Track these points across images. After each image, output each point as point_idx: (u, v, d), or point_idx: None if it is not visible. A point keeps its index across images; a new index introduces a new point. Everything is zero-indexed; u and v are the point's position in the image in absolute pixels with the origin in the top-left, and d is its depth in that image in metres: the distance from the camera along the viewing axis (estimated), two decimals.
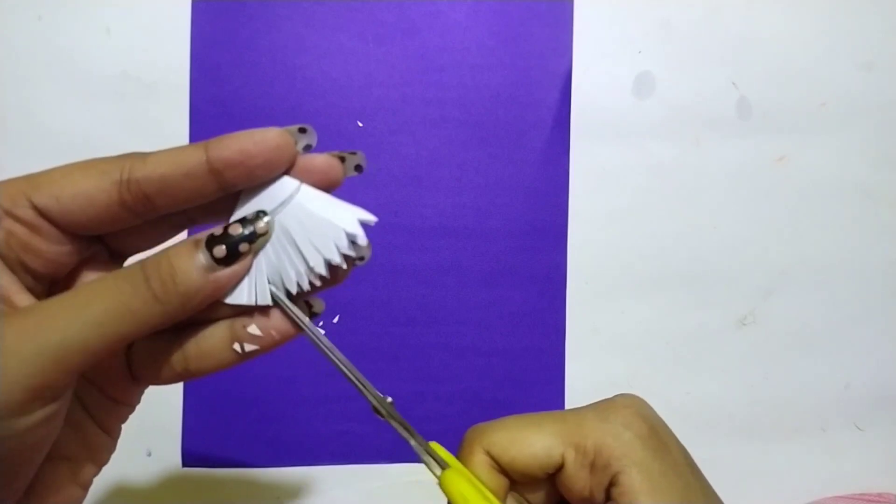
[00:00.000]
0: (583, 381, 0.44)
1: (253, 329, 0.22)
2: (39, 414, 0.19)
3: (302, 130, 0.21)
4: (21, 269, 0.21)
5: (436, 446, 0.24)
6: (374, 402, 0.23)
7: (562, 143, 0.43)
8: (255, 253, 0.21)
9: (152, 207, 0.21)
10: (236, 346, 0.22)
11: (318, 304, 0.23)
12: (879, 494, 0.45)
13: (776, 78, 0.45)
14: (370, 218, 0.22)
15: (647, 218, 0.44)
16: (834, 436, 0.45)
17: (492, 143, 0.43)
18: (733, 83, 0.44)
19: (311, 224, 0.21)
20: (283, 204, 0.21)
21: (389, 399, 0.23)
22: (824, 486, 0.45)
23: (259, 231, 0.21)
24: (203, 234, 0.21)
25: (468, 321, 0.43)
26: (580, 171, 0.43)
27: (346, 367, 0.22)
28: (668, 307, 0.44)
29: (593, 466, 0.23)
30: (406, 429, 0.23)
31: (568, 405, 0.43)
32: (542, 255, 0.43)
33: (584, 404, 0.26)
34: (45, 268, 0.21)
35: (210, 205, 0.21)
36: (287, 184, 0.21)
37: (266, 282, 0.21)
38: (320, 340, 0.22)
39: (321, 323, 0.41)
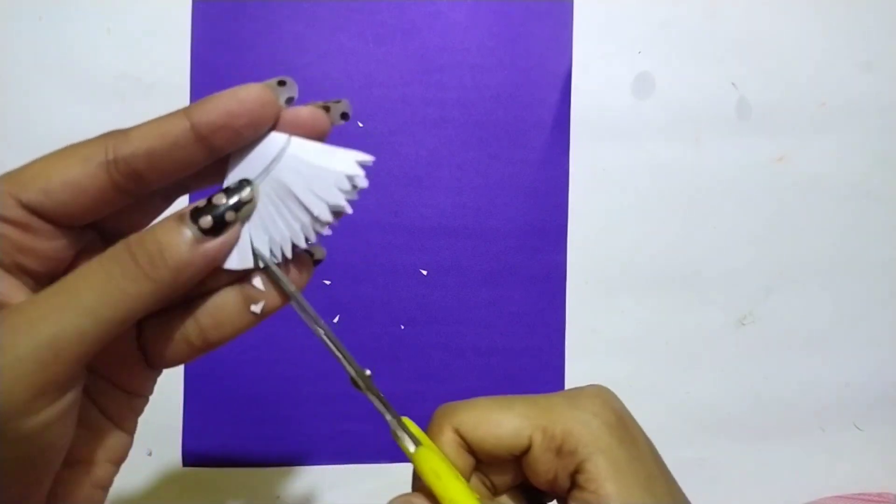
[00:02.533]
0: (583, 381, 0.43)
1: (258, 283, 0.22)
2: (49, 412, 0.18)
3: (281, 83, 0.21)
4: (19, 272, 0.21)
5: (408, 422, 0.24)
6: (353, 374, 0.23)
7: (562, 143, 0.43)
8: (243, 221, 0.21)
9: (144, 184, 0.20)
10: (254, 308, 0.22)
11: (319, 251, 0.23)
12: (879, 494, 0.45)
13: (776, 78, 0.45)
14: (367, 158, 0.21)
15: (647, 218, 0.44)
16: (833, 436, 0.45)
17: (492, 143, 0.43)
18: (733, 83, 0.44)
19: (309, 173, 0.21)
20: (275, 160, 0.21)
21: (368, 372, 0.23)
22: (824, 485, 0.45)
23: (244, 199, 0.21)
24: (187, 208, 0.20)
25: (468, 321, 0.43)
26: (580, 171, 0.43)
27: (327, 335, 0.22)
28: (668, 307, 0.44)
29: (560, 451, 0.23)
30: (383, 403, 0.23)
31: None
32: (542, 255, 0.43)
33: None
34: (42, 266, 0.21)
35: (201, 171, 0.21)
36: (276, 139, 0.21)
37: (250, 246, 0.21)
38: (303, 306, 0.22)
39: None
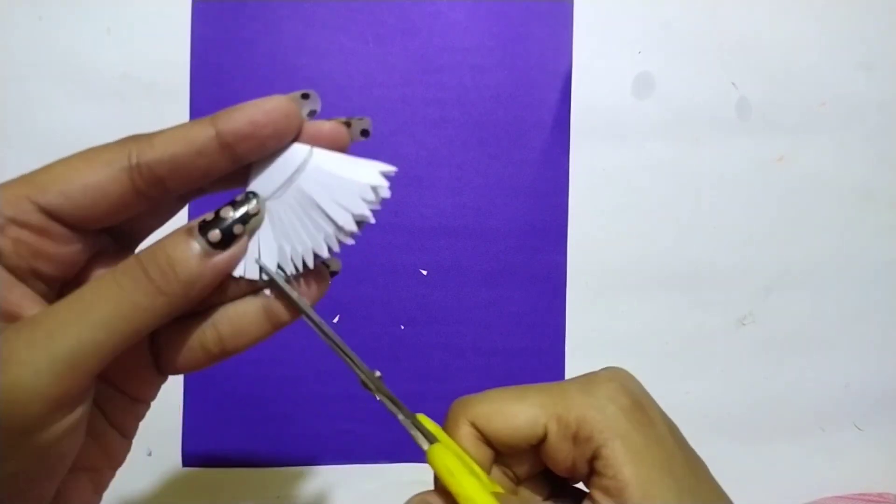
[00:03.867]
0: None
1: (268, 294, 0.22)
2: (63, 424, 0.18)
3: (305, 96, 0.21)
4: (32, 278, 0.20)
5: (423, 418, 0.24)
6: (363, 377, 0.23)
7: (562, 143, 0.43)
8: (250, 234, 0.21)
9: (165, 189, 0.20)
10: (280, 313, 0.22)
11: (335, 263, 0.23)
12: (879, 494, 0.45)
13: (776, 78, 0.45)
14: (390, 168, 0.22)
15: (648, 218, 0.44)
16: (833, 436, 0.45)
17: (492, 143, 0.43)
18: (733, 83, 0.44)
19: (333, 184, 0.21)
20: (298, 170, 0.21)
21: (378, 373, 0.23)
22: (824, 486, 0.45)
23: (251, 212, 0.21)
24: (195, 221, 0.20)
25: (468, 321, 0.43)
26: (580, 171, 0.43)
27: (335, 341, 0.23)
28: (668, 307, 0.44)
29: (576, 438, 0.23)
30: (394, 403, 0.23)
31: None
32: (542, 255, 0.43)
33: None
34: (57, 271, 0.21)
35: (221, 177, 0.21)
36: (298, 150, 0.21)
37: (255, 258, 0.21)
38: (310, 314, 0.22)
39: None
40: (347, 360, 0.23)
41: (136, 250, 0.23)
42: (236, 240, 0.21)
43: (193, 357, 0.22)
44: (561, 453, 0.24)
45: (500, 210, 0.43)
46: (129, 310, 0.19)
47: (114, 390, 0.22)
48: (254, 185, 0.21)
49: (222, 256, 0.20)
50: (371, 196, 0.21)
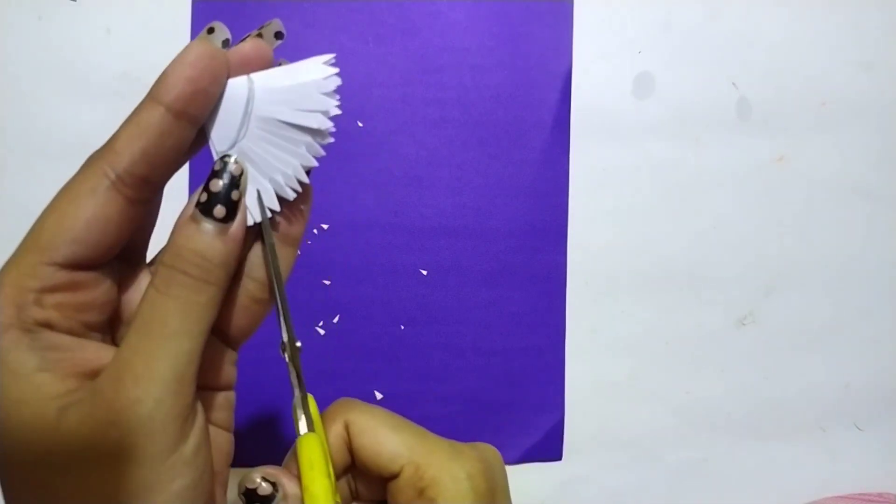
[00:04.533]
0: (583, 381, 0.44)
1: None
2: (196, 432, 0.20)
3: (210, 31, 0.21)
4: (88, 331, 0.21)
5: (312, 402, 0.25)
6: (286, 338, 0.23)
7: (562, 143, 0.43)
8: (244, 192, 0.21)
9: (152, 186, 0.21)
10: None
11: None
12: (879, 494, 0.45)
13: (776, 78, 0.45)
14: (329, 56, 0.22)
15: (647, 218, 0.44)
16: (834, 436, 0.45)
17: (492, 143, 0.43)
18: (733, 83, 0.44)
19: (289, 97, 0.21)
20: (248, 101, 0.21)
21: (299, 343, 0.24)
22: (824, 486, 0.45)
23: (235, 172, 0.21)
24: (191, 206, 0.21)
25: (468, 321, 0.43)
26: (580, 171, 0.43)
27: (281, 295, 0.23)
28: (668, 307, 0.44)
29: (422, 494, 0.24)
30: (298, 378, 0.24)
31: (568, 405, 0.43)
32: (542, 255, 0.43)
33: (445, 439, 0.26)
34: (103, 314, 0.21)
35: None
36: (237, 83, 0.21)
37: (257, 203, 0.22)
38: (270, 248, 0.22)
39: (321, 322, 0.41)
40: (282, 319, 0.23)
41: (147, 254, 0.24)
42: (237, 204, 0.21)
43: (251, 313, 0.23)
44: (403, 498, 0.24)
45: (500, 210, 0.43)
46: (195, 311, 0.20)
47: (203, 391, 0.23)
48: (215, 138, 0.21)
49: (235, 226, 0.21)
50: (328, 87, 0.21)
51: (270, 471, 0.24)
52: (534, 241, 0.43)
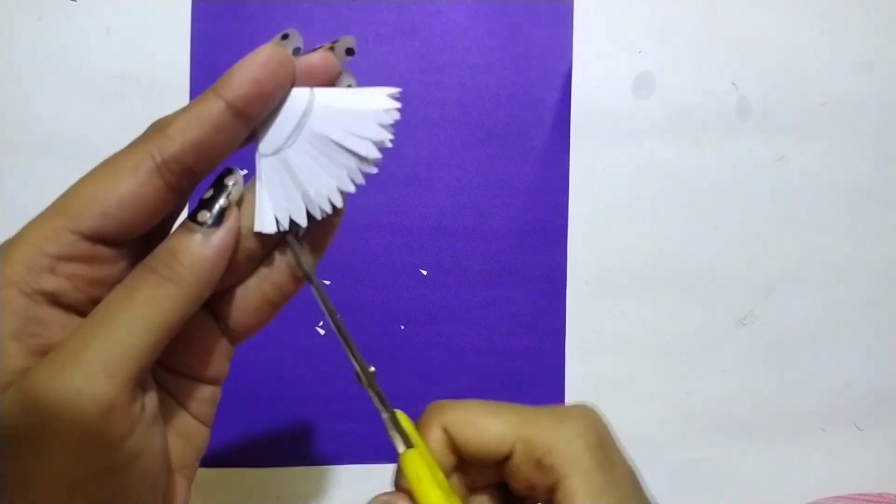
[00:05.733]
0: (583, 381, 0.44)
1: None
2: (135, 413, 0.19)
3: (285, 37, 0.21)
4: (94, 308, 0.20)
5: (402, 417, 0.25)
6: (357, 368, 0.23)
7: (562, 143, 0.43)
8: (237, 204, 0.21)
9: (195, 177, 0.21)
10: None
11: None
12: (879, 494, 0.45)
13: (776, 78, 0.45)
14: (395, 90, 0.22)
15: (647, 218, 0.44)
16: (834, 436, 0.45)
17: (492, 143, 0.43)
18: (733, 83, 0.44)
19: (345, 118, 0.21)
20: (305, 114, 0.21)
21: (372, 368, 0.24)
22: (824, 486, 0.45)
23: (228, 182, 0.21)
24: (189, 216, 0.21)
25: (468, 321, 0.43)
26: (580, 171, 0.43)
27: (339, 326, 0.23)
28: (668, 307, 0.44)
29: (539, 464, 0.24)
30: (381, 401, 0.24)
31: (568, 405, 0.43)
32: (542, 255, 0.43)
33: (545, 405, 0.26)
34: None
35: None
36: (299, 94, 0.21)
37: (270, 211, 0.22)
38: (319, 289, 0.23)
39: (321, 322, 0.41)
40: (346, 348, 0.23)
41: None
42: (227, 213, 0.21)
43: (261, 314, 0.23)
44: (522, 474, 0.24)
45: (500, 210, 0.43)
46: (148, 307, 0.19)
47: (188, 381, 0.23)
48: (262, 140, 0.21)
49: (218, 234, 0.20)
50: (385, 119, 0.22)
51: (384, 498, 0.24)
52: (534, 241, 0.43)
